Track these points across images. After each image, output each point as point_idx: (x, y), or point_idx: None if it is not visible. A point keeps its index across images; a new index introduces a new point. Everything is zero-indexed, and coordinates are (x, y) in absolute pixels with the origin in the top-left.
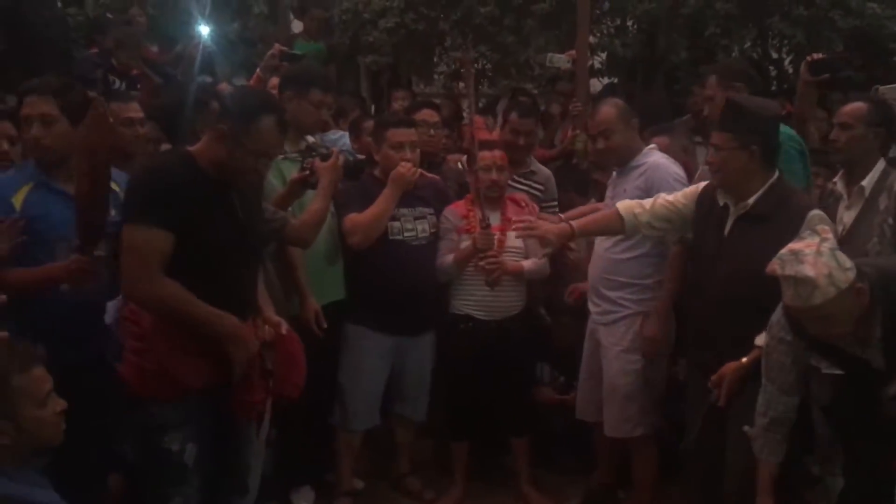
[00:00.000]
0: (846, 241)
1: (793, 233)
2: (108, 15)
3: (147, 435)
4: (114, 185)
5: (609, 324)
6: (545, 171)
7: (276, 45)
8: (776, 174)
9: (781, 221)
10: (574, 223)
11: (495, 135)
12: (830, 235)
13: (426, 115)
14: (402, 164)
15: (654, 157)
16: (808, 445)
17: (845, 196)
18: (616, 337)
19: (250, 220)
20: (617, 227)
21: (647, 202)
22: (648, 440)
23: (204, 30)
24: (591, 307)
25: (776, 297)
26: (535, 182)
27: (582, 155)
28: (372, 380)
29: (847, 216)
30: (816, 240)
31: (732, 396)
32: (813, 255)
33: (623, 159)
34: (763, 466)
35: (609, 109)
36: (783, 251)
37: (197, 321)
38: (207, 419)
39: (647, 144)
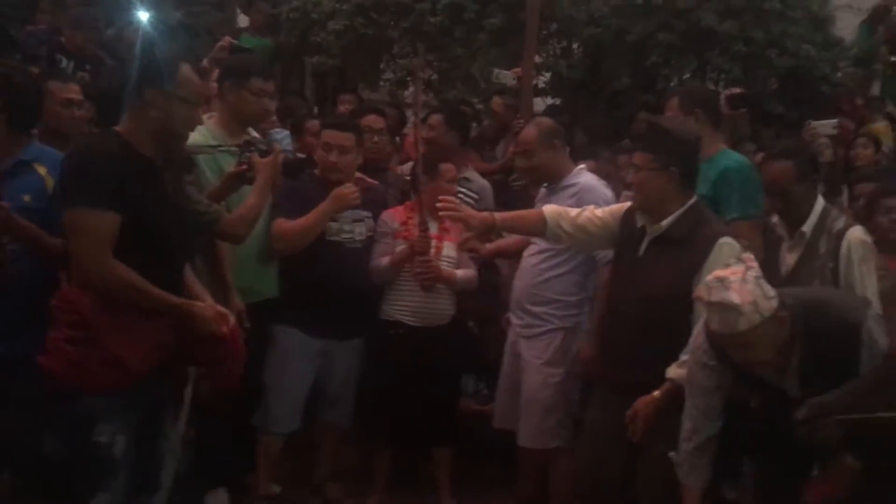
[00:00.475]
0: (789, 283)
1: (702, 258)
2: None
3: (74, 427)
4: (39, 168)
5: (531, 337)
6: (482, 181)
7: (227, 38)
8: (693, 198)
9: (693, 246)
10: (497, 215)
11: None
12: (755, 264)
13: (371, 120)
14: (347, 185)
15: (586, 178)
16: (725, 469)
17: (786, 237)
18: (538, 350)
19: (181, 201)
20: (539, 228)
21: (574, 211)
22: (566, 453)
23: (143, 15)
24: (513, 320)
25: (686, 320)
26: (469, 189)
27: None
28: (296, 382)
29: (790, 258)
30: (741, 267)
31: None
32: (738, 283)
33: (546, 177)
34: (688, 492)
35: (531, 130)
36: (709, 277)
37: (150, 303)
38: (134, 412)
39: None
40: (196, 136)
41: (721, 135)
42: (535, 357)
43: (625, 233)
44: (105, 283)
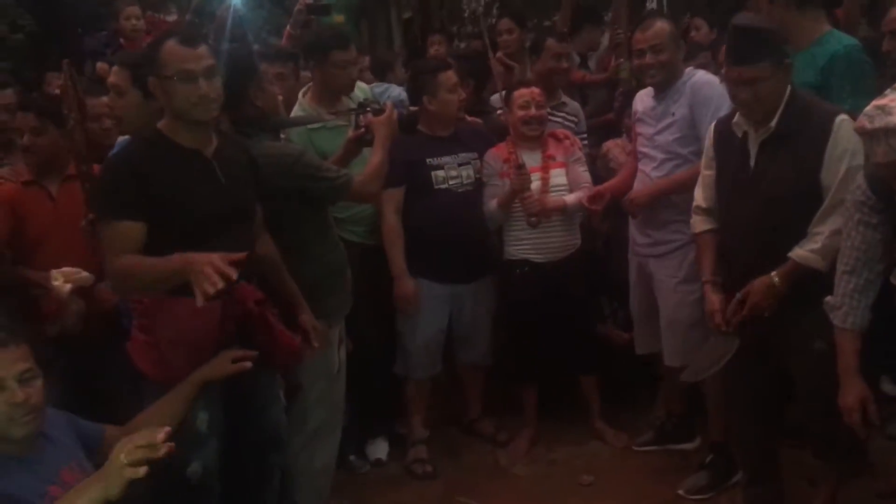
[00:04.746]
0: None
1: (822, 143)
2: None
3: None
4: None
5: (661, 255)
6: (574, 104)
7: (302, 0)
8: (789, 87)
9: (808, 135)
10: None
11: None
12: None
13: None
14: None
15: (698, 75)
16: (885, 362)
17: None
18: (672, 269)
19: (235, 181)
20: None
21: (698, 190)
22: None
23: None
24: (638, 238)
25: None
26: (568, 113)
27: (627, 84)
28: (430, 329)
29: None
30: None
31: (789, 326)
32: None
33: (670, 77)
34: (845, 339)
35: (664, 25)
36: (868, 108)
37: (159, 278)
38: (214, 388)
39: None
40: (296, 111)
41: (818, 12)
42: (669, 276)
43: (721, 148)
44: (116, 283)
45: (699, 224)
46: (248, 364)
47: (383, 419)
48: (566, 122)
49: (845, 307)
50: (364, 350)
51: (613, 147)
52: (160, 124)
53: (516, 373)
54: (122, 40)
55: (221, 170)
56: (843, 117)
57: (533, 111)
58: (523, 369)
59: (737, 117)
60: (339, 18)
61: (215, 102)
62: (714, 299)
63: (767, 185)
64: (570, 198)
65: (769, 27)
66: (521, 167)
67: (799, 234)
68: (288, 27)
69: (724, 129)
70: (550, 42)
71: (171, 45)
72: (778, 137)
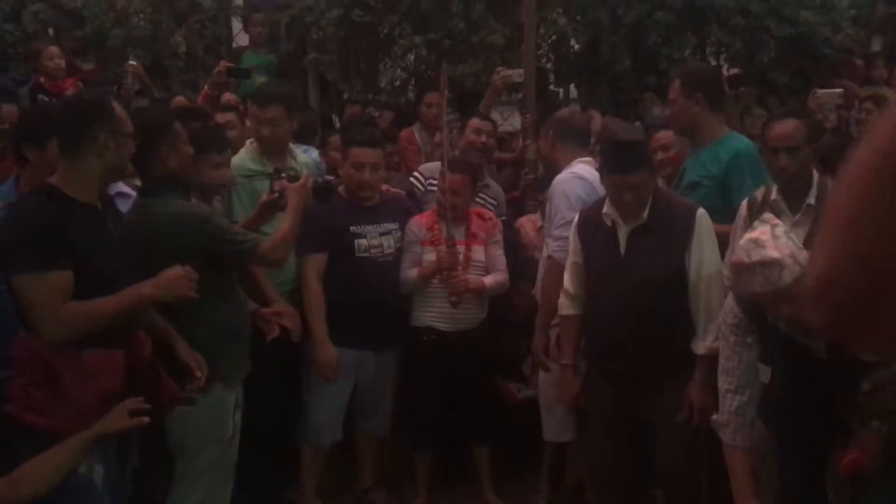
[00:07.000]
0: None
1: (688, 232)
2: (49, 30)
3: None
4: None
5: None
6: (497, 187)
7: (222, 63)
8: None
9: (672, 225)
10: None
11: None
12: (778, 221)
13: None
14: None
15: (561, 176)
16: None
17: (788, 213)
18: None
19: (119, 235)
20: (579, 325)
21: (567, 275)
22: None
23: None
24: None
25: (680, 300)
26: (489, 196)
27: (532, 165)
28: (334, 395)
29: (796, 234)
30: (767, 227)
31: (653, 398)
32: (771, 239)
33: (551, 171)
34: (736, 458)
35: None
36: (742, 241)
37: (118, 313)
38: (107, 443)
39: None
40: (242, 160)
41: (722, 116)
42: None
43: (587, 237)
44: (71, 335)
45: (565, 308)
46: (146, 419)
47: (274, 484)
48: (486, 204)
49: (733, 424)
50: (264, 412)
51: (526, 223)
52: (52, 180)
53: (411, 440)
54: (41, 79)
55: (112, 222)
56: (701, 211)
57: (459, 200)
58: (419, 437)
59: (606, 208)
60: (261, 80)
61: None
62: (573, 382)
63: (638, 270)
64: (489, 280)
65: (643, 140)
66: (452, 245)
67: (663, 312)
68: (206, 87)
69: (590, 219)
70: (474, 119)
71: (118, 104)
72: (646, 228)
